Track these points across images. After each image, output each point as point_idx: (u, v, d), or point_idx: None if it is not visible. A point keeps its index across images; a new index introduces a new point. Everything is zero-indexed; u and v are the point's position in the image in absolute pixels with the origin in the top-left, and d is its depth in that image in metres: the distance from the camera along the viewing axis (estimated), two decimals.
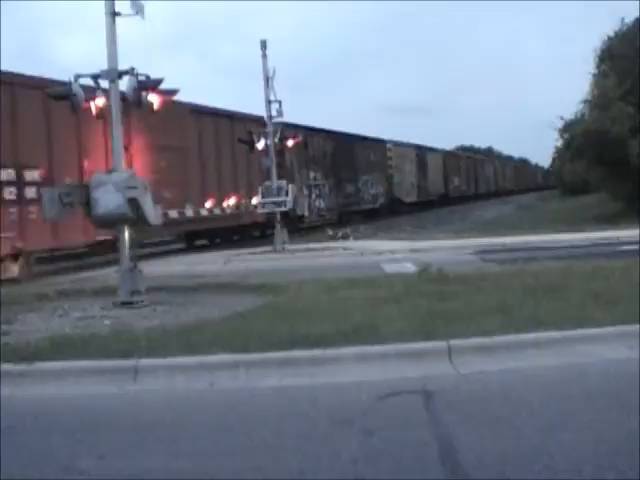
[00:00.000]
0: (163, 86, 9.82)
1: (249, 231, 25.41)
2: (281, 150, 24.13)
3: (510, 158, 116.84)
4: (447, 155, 59.60)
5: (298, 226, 26.80)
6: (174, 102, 11.70)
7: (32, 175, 15.15)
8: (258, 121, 21.90)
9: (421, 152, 49.58)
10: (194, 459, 4.18)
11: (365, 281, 10.00)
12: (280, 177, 24.14)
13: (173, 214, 19.27)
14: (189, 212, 20.94)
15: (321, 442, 4.34)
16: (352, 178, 36.45)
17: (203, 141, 22.30)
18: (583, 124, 26.99)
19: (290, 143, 22.69)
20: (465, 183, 63.54)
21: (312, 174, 30.99)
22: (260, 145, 20.45)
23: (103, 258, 17.18)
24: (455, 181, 59.47)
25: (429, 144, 55.78)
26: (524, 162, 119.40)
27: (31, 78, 15.41)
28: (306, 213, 23.71)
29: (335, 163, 33.93)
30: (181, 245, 23.85)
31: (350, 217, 34.59)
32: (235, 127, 23.52)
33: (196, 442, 4.46)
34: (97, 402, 5.55)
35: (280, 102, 19.91)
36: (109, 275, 12.40)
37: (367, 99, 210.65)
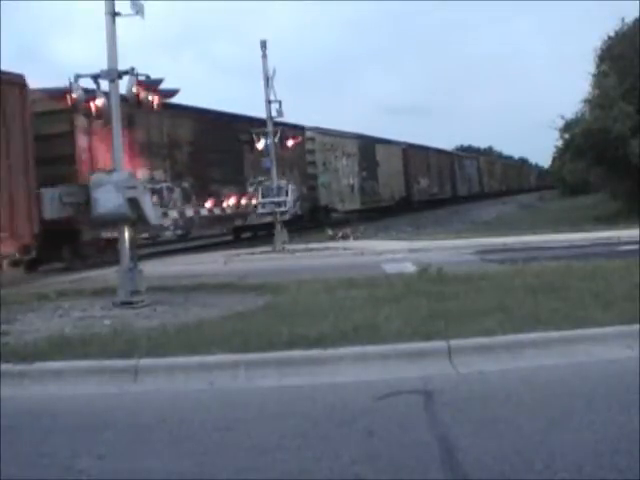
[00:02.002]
0: (163, 86, 9.83)
1: None
2: (70, 132, 16.48)
3: (510, 158, 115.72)
4: (409, 149, 45.90)
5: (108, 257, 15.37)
6: None
7: None
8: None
9: (367, 144, 37.68)
10: (194, 459, 4.18)
11: (365, 281, 10.00)
12: (69, 174, 15.66)
13: None
14: None
15: (321, 442, 4.34)
16: (235, 179, 23.55)
17: None
18: (583, 124, 26.97)
19: (290, 143, 21.21)
20: (437, 184, 51.70)
21: (148, 172, 19.25)
22: (260, 145, 20.31)
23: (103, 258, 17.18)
24: (422, 182, 47.72)
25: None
26: (516, 160, 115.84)
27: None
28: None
29: (200, 156, 21.79)
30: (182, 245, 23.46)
31: (238, 235, 26.08)
32: None
33: (196, 442, 4.46)
34: (97, 402, 5.55)
35: (280, 102, 19.91)
36: (109, 275, 12.39)
37: (367, 100, 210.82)
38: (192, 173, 21.19)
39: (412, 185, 45.22)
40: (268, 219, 23.91)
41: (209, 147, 22.39)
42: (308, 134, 30.38)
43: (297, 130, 27.35)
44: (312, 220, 29.28)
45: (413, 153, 46.62)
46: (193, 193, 20.55)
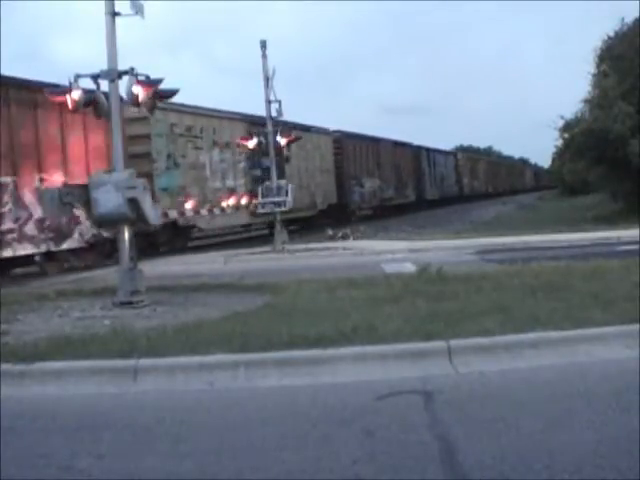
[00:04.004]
0: (163, 86, 9.81)
1: None
2: None
3: (510, 158, 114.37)
4: (345, 140, 34.40)
5: None
6: None
7: None
8: None
9: (261, 128, 21.30)
10: (194, 459, 4.18)
11: (365, 281, 10.00)
12: None
13: None
14: None
15: (321, 442, 4.34)
16: None
17: None
18: (583, 124, 26.97)
19: (283, 142, 19.96)
20: (392, 186, 40.20)
21: None
22: (252, 144, 20.16)
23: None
24: (367, 184, 36.27)
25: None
26: (515, 160, 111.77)
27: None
28: None
29: None
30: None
31: None
32: None
33: (196, 442, 4.46)
34: (97, 402, 5.55)
35: (280, 102, 19.84)
36: (109, 275, 12.39)
37: (367, 99, 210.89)
38: None
39: (349, 187, 34.13)
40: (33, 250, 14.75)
41: None
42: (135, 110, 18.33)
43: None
44: (151, 246, 18.57)
45: (352, 145, 35.11)
46: None
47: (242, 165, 24.66)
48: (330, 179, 32.42)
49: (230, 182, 23.83)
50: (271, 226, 25.93)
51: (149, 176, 17.89)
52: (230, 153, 23.86)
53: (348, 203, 33.97)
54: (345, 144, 34.25)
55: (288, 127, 24.24)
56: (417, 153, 46.82)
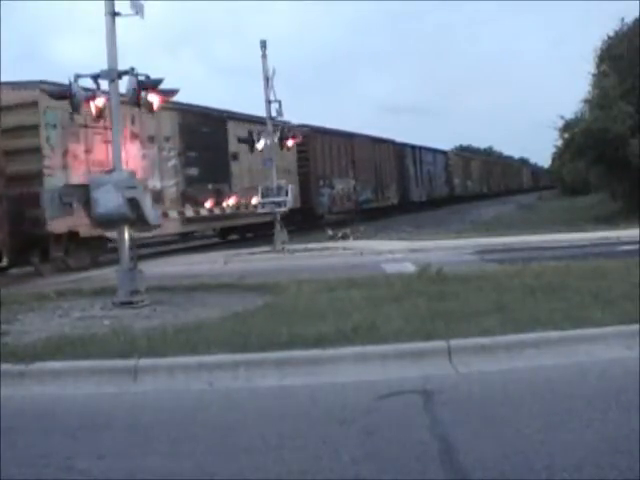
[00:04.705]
0: (163, 86, 9.82)
1: None
2: None
3: (510, 158, 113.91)
4: (313, 135, 30.04)
5: None
6: None
7: None
8: None
9: (202, 120, 22.62)
10: (194, 459, 4.18)
11: (365, 281, 9.99)
12: None
13: None
14: None
15: (321, 442, 4.34)
16: None
17: None
18: (583, 124, 27.00)
19: (290, 143, 20.61)
20: (370, 187, 36.55)
21: None
22: (260, 145, 20.22)
23: (103, 258, 17.19)
24: (338, 185, 32.57)
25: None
26: (515, 159, 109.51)
27: None
28: None
29: None
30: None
31: None
32: None
33: (196, 442, 4.46)
34: (97, 402, 5.55)
35: (280, 102, 19.82)
36: (109, 275, 12.38)
37: (368, 99, 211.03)
38: None
39: (316, 189, 30.29)
40: None
41: None
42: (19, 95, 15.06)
43: None
44: (46, 261, 15.91)
45: (320, 141, 30.95)
46: None
47: (172, 163, 20.77)
48: (291, 179, 26.02)
49: (155, 183, 19.67)
50: (223, 234, 25.19)
51: (39, 176, 15.22)
52: (155, 148, 19.80)
53: (315, 207, 30.09)
54: (311, 140, 29.60)
55: (219, 114, 21.50)
56: (401, 151, 42.44)
